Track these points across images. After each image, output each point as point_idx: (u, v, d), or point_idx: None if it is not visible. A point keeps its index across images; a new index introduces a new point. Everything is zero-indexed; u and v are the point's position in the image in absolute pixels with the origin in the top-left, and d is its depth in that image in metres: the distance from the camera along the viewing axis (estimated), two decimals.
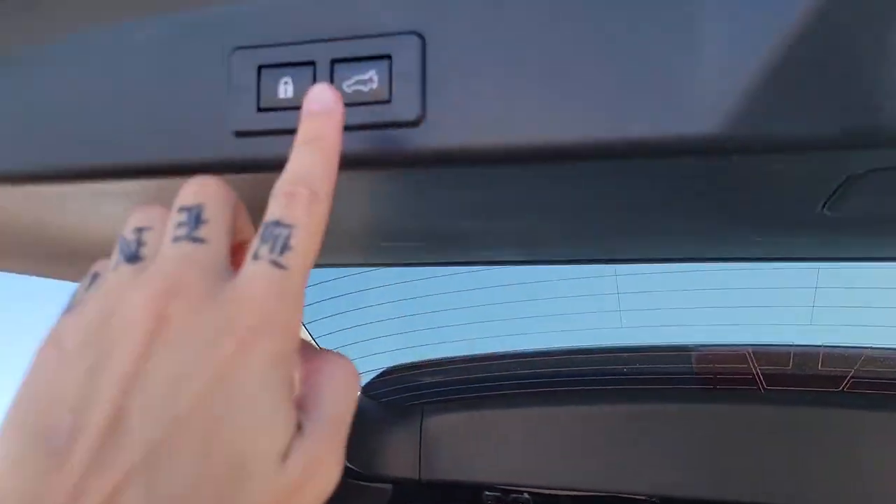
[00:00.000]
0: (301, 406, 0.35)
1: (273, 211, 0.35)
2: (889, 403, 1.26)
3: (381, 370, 1.45)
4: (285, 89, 0.41)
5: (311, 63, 0.40)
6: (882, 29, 0.32)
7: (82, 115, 0.45)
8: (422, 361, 1.45)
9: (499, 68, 0.38)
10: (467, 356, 1.47)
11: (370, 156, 0.39)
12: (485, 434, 1.42)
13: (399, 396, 1.44)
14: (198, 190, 0.37)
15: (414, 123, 0.39)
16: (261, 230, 0.35)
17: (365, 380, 1.43)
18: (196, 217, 0.35)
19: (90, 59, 0.45)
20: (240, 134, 0.42)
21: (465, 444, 1.42)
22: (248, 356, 0.31)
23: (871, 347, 1.25)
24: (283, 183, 0.35)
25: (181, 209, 0.36)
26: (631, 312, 1.34)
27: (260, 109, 0.41)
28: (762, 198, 0.47)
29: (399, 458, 1.41)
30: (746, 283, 1.24)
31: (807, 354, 1.27)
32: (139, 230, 0.37)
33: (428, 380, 1.44)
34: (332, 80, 0.40)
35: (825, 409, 1.27)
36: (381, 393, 1.43)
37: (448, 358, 1.46)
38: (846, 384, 1.26)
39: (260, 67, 0.41)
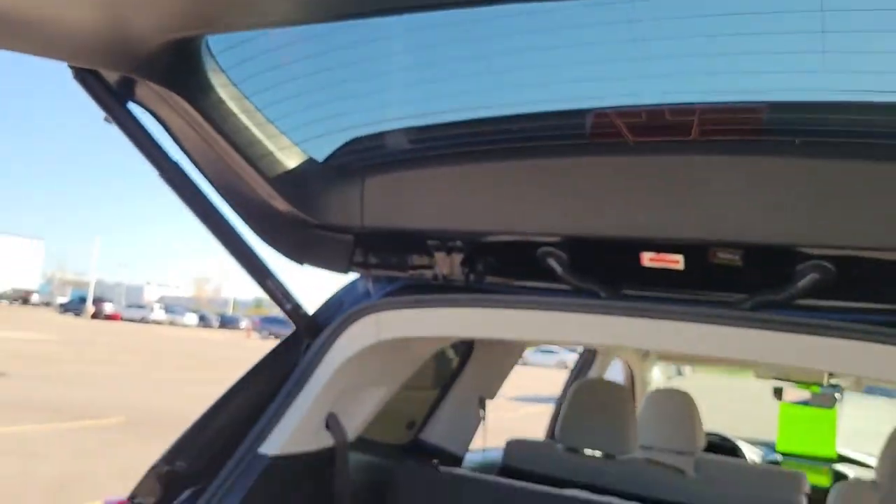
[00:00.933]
0: None
1: None
2: (730, 147, 1.42)
3: (340, 144, 1.75)
4: None
5: None
6: None
7: None
8: (363, 136, 1.73)
9: None
10: (400, 128, 1.74)
11: None
12: (415, 190, 1.72)
13: (345, 160, 1.75)
14: None
15: None
16: None
17: (323, 150, 1.75)
18: None
19: None
20: None
21: (397, 198, 1.73)
22: None
23: (709, 102, 1.39)
24: None
25: None
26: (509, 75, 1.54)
27: None
28: None
29: (345, 209, 1.75)
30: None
31: (655, 110, 1.43)
32: None
33: (367, 146, 1.74)
34: None
35: (676, 156, 1.46)
36: (331, 157, 1.75)
37: (385, 131, 1.74)
38: (694, 133, 1.42)
39: None
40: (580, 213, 1.58)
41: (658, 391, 3.98)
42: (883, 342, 1.37)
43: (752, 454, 4.53)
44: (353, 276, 1.99)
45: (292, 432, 1.73)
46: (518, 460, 2.74)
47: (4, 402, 11.57)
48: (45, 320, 43.58)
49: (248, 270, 1.70)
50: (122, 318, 56.10)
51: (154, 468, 1.68)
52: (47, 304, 65.97)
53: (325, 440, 1.86)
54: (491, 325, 1.70)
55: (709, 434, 4.63)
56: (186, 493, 1.68)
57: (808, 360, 1.46)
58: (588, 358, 4.02)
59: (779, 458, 4.41)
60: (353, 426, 1.96)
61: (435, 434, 2.75)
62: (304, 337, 1.85)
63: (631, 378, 4.43)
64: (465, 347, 2.84)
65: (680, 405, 3.61)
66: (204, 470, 1.69)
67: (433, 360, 2.89)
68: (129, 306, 62.86)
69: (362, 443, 2.29)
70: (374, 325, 1.76)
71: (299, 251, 1.83)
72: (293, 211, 1.71)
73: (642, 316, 1.54)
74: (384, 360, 1.92)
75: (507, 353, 2.94)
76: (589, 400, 2.76)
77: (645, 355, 4.21)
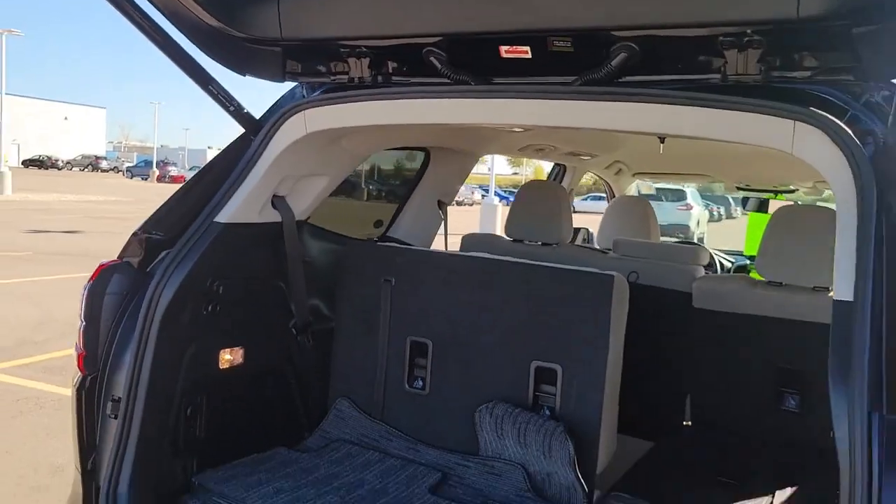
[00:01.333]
0: None
1: None
2: None
3: None
4: None
5: None
6: None
7: None
8: None
9: None
10: None
11: None
12: (321, 3, 2.07)
13: None
14: None
15: None
16: None
17: None
18: None
19: None
20: None
21: (307, 11, 2.09)
22: None
23: None
24: None
25: None
26: None
27: None
28: None
29: (266, 23, 2.11)
30: None
31: None
32: None
33: None
34: None
35: None
36: None
37: None
38: None
39: None
40: (449, 13, 1.92)
41: (620, 197, 4.36)
42: (679, 104, 1.72)
43: (723, 259, 4.94)
44: (290, 84, 2.39)
45: (240, 205, 2.20)
46: (470, 250, 3.21)
47: (84, 253, 12.72)
48: (114, 184, 45.73)
49: (192, 77, 2.10)
50: (185, 180, 58.18)
51: (135, 235, 2.19)
52: (115, 170, 68.63)
53: (273, 216, 2.34)
54: (391, 113, 2.10)
55: (687, 243, 5.05)
56: (162, 255, 2.19)
57: (621, 124, 1.82)
58: (559, 172, 4.39)
59: (748, 262, 4.80)
60: (300, 208, 2.43)
61: (400, 231, 3.23)
62: (250, 134, 2.28)
63: (611, 193, 4.80)
64: (423, 158, 3.25)
65: (637, 209, 4.00)
66: (175, 238, 2.19)
67: (394, 169, 3.33)
68: (192, 169, 64.98)
69: (334, 236, 2.78)
70: (302, 121, 2.18)
71: (238, 62, 2.23)
72: (222, 26, 2.08)
73: (502, 97, 1.93)
74: (318, 153, 2.35)
75: (460, 163, 3.34)
76: (530, 198, 3.17)
77: (618, 173, 4.55)
